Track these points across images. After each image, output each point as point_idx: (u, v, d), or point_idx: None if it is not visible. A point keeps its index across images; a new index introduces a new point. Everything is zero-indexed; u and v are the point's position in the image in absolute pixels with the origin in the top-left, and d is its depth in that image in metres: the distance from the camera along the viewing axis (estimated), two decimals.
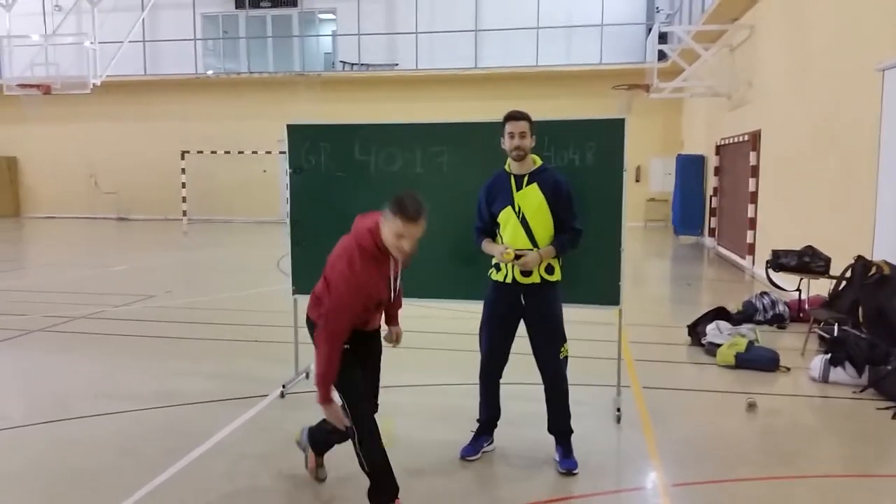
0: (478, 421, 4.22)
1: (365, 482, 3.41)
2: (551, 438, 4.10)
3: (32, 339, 7.08)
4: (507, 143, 3.94)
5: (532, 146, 3.96)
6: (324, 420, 3.52)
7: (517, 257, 3.87)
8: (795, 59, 9.92)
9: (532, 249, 3.90)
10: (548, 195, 3.92)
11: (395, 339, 3.74)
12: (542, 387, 4.09)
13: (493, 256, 4.05)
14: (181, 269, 12.57)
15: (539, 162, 4.03)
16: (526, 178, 3.95)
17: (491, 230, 4.08)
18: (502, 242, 3.98)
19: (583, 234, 4.05)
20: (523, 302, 3.98)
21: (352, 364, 3.32)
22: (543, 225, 3.94)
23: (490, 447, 4.23)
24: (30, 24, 20.39)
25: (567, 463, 3.96)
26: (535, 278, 3.94)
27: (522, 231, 3.93)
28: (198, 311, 8.43)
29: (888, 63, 6.55)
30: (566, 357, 4.05)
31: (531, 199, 3.93)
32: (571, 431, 4.09)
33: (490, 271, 4.09)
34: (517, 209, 3.93)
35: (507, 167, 4.04)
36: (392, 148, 5.15)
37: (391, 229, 3.15)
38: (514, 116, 3.94)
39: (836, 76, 8.30)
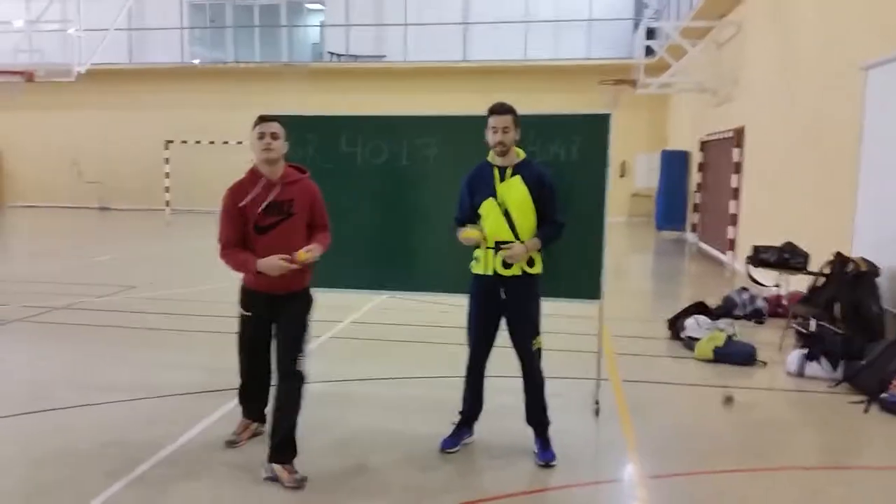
0: (460, 413, 4.25)
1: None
2: (531, 431, 4.14)
3: (11, 328, 7.03)
4: (489, 137, 3.96)
5: (516, 140, 3.97)
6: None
7: (498, 246, 3.91)
8: (781, 56, 10.00)
9: (514, 241, 3.93)
10: (531, 187, 3.94)
11: (293, 257, 3.69)
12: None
13: (474, 248, 4.06)
14: (164, 260, 12.51)
15: (523, 155, 4.05)
16: (510, 170, 3.97)
17: (471, 222, 4.07)
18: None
19: (565, 227, 4.07)
20: (503, 295, 4.01)
21: (249, 329, 3.99)
22: (526, 217, 3.95)
23: (470, 440, 4.26)
24: (13, 9, 20.12)
25: (545, 455, 4.01)
26: (515, 270, 3.97)
27: (504, 222, 3.94)
28: (181, 303, 8.41)
29: (872, 62, 6.63)
30: (539, 349, 4.09)
31: (514, 191, 3.94)
32: (548, 423, 4.13)
33: (471, 264, 4.10)
34: (500, 200, 3.94)
35: (490, 158, 4.05)
36: (378, 140, 5.14)
37: (253, 137, 3.74)
38: (496, 111, 3.93)
39: (821, 74, 8.38)
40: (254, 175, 3.79)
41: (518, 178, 3.95)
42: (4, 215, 20.93)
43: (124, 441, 4.23)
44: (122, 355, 6.14)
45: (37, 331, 6.96)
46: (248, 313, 3.95)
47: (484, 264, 4.01)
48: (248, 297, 3.93)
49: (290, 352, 3.81)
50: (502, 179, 3.96)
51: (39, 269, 10.87)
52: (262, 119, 3.77)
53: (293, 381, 3.80)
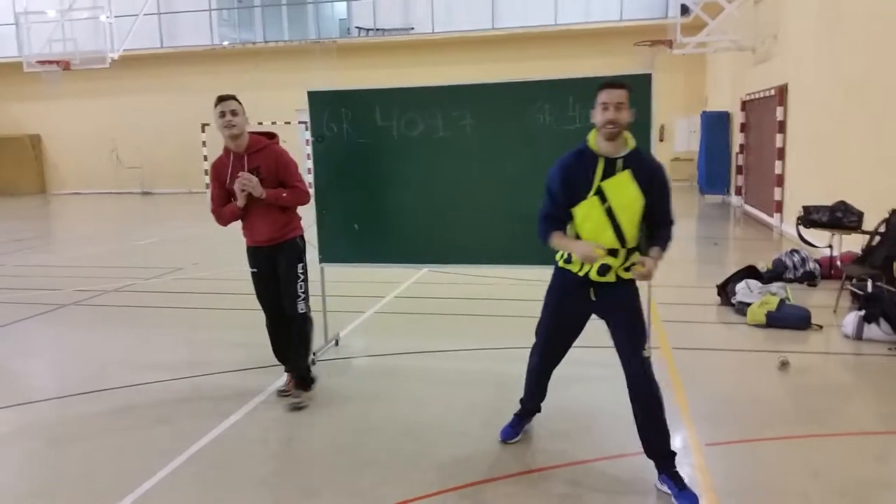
0: (521, 402, 3.96)
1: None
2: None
3: (66, 312, 7.20)
4: (598, 116, 3.23)
5: (629, 121, 3.25)
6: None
7: (604, 266, 3.33)
8: (824, 10, 9.61)
9: (619, 249, 3.31)
10: (643, 185, 3.27)
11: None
12: (626, 392, 3.43)
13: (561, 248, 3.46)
14: (207, 242, 12.65)
15: (633, 143, 3.32)
16: (620, 163, 3.27)
17: (562, 222, 3.41)
18: (577, 236, 3.37)
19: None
20: (593, 297, 3.43)
21: (259, 284, 4.54)
22: (632, 220, 3.31)
23: (529, 425, 4.00)
24: (46, 0, 20.35)
25: (685, 499, 3.20)
26: (610, 277, 3.36)
27: (609, 226, 3.27)
28: (225, 283, 8.51)
29: None
30: (649, 357, 3.39)
31: (623, 190, 3.25)
32: (674, 454, 3.36)
33: (558, 255, 3.51)
34: (604, 199, 3.27)
35: (591, 144, 3.33)
36: (413, 113, 5.10)
37: (215, 117, 4.15)
38: (610, 84, 3.25)
39: (869, 27, 8.03)
40: (226, 150, 4.31)
41: (628, 173, 3.25)
42: (49, 203, 21.42)
43: (181, 418, 4.30)
44: (174, 335, 6.24)
45: (90, 314, 7.12)
46: (254, 270, 4.50)
47: (579, 265, 3.39)
48: (252, 254, 4.51)
49: (290, 295, 4.42)
50: (609, 174, 3.26)
51: (88, 255, 11.11)
52: (221, 99, 4.18)
53: (298, 322, 4.45)
